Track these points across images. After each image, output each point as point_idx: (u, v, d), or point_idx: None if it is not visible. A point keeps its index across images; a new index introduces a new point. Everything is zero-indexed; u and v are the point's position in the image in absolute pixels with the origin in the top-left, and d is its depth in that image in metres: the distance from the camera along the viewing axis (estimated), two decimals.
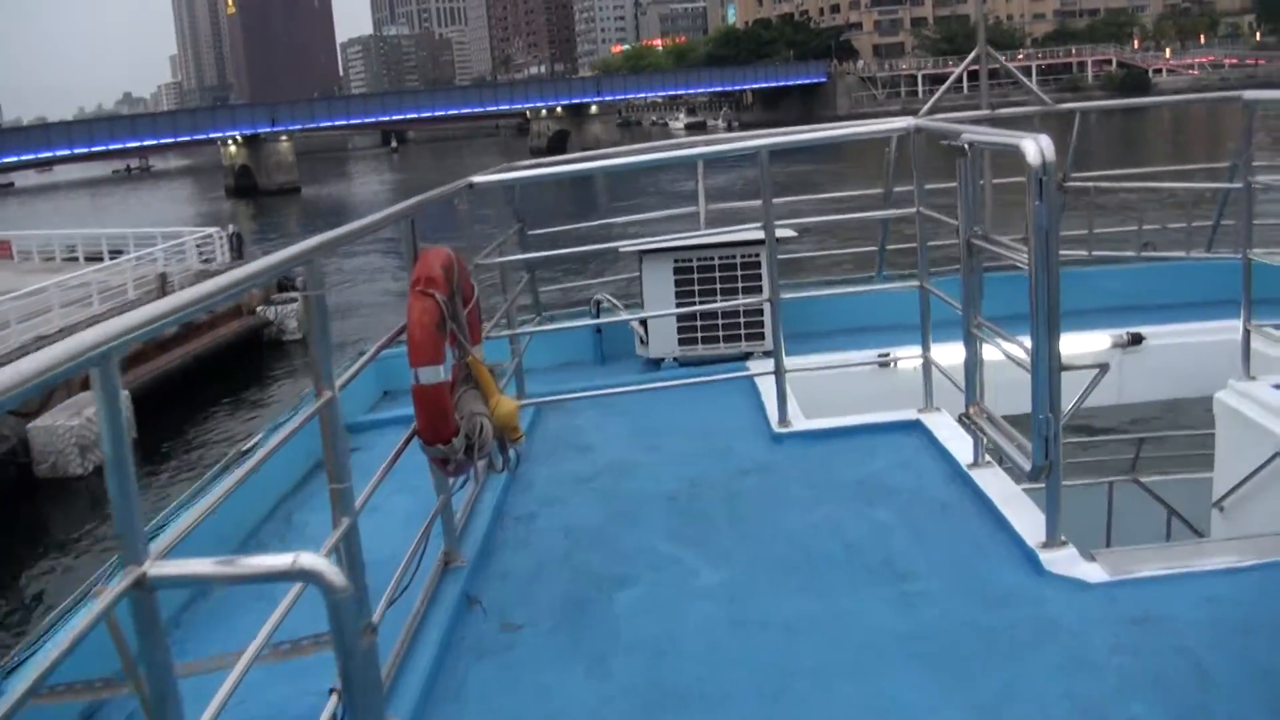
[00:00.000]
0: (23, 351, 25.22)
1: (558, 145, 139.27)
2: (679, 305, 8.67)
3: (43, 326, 28.40)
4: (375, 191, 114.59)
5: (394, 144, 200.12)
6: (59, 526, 24.05)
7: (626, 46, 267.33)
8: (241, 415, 29.36)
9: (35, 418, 25.42)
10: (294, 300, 37.08)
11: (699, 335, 8.77)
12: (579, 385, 8.21)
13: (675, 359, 8.85)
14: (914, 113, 8.51)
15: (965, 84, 14.26)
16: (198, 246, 39.11)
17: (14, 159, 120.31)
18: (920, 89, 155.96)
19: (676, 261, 8.65)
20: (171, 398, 29.06)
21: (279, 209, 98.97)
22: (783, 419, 6.79)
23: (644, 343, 8.96)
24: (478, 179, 6.71)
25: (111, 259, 38.77)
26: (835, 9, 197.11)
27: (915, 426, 6.58)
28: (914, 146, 6.53)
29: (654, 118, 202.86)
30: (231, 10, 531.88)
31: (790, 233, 8.52)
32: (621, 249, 8.86)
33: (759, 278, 8.47)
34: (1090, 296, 9.01)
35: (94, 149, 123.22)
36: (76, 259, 42.88)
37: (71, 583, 19.61)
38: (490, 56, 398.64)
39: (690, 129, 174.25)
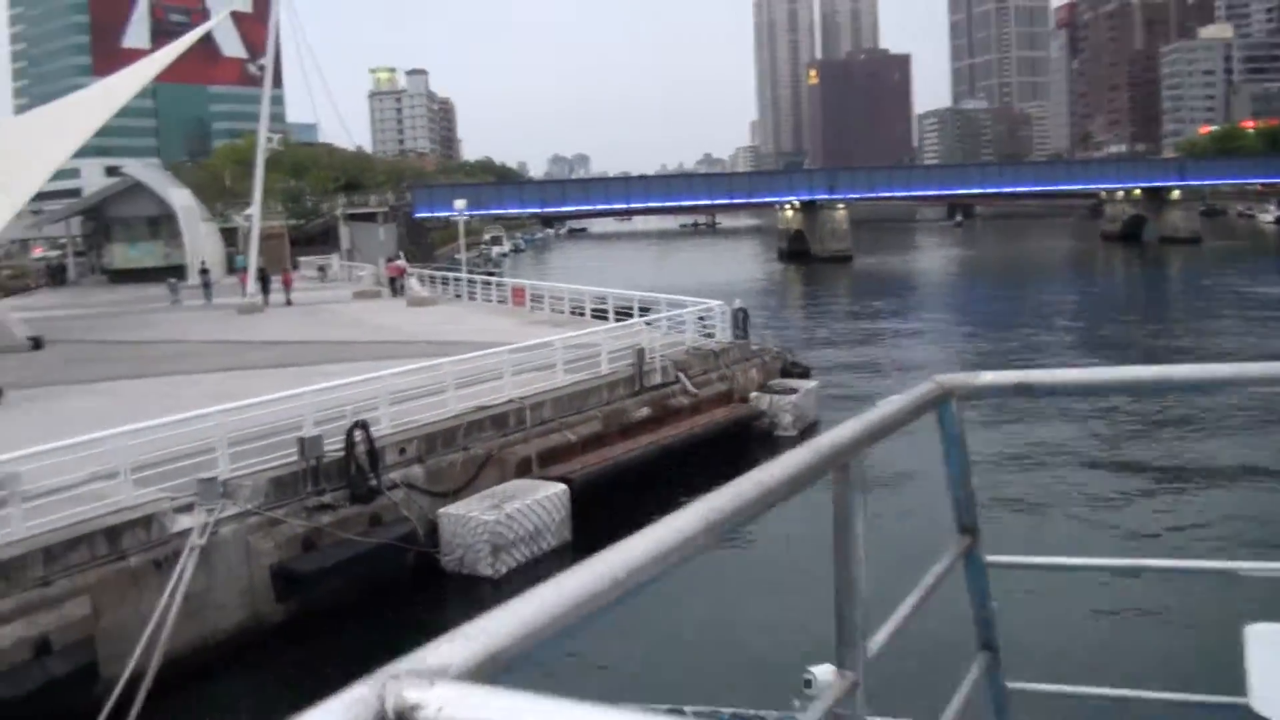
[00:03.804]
0: (455, 422, 21.83)
1: (1133, 231, 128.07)
2: None
3: (481, 397, 24.97)
4: (927, 268, 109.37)
5: (958, 218, 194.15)
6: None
7: (1215, 127, 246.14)
8: None
9: (449, 501, 21.98)
10: (794, 391, 32.17)
11: None
12: None
13: None
14: None
15: None
16: (700, 319, 35.02)
17: (596, 207, 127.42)
18: None
19: None
20: (631, 488, 24.79)
21: (827, 278, 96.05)
22: None
23: None
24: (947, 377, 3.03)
25: (618, 320, 35.83)
26: None
27: None
28: None
29: (1240, 208, 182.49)
30: (814, 80, 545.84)
31: None
32: None
33: None
34: None
35: (665, 203, 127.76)
36: (582, 314, 40.81)
37: None
38: (1068, 133, 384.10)
39: None
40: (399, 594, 20.71)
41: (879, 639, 2.75)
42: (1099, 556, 3.85)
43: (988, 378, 3.18)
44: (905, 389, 3.11)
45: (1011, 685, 3.64)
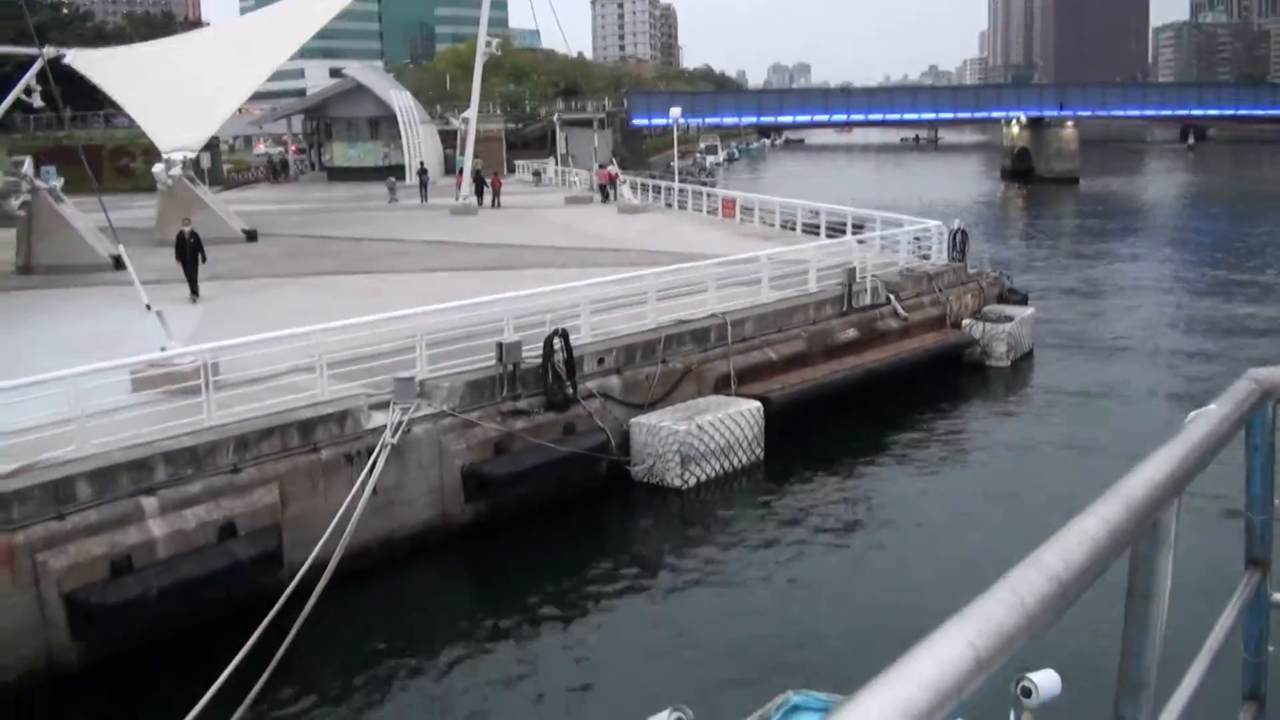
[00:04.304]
0: (654, 335, 21.39)
1: None
2: None
3: (683, 310, 24.46)
4: (1159, 194, 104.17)
5: (1190, 141, 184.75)
6: (646, 538, 20.69)
7: None
8: (909, 458, 23.75)
9: (646, 411, 21.96)
10: (1009, 319, 30.79)
11: None
12: None
13: None
14: None
15: None
16: (915, 239, 33.78)
17: (814, 118, 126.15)
18: None
19: None
20: (831, 410, 24.17)
21: (1051, 200, 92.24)
22: None
23: None
24: None
25: (830, 236, 35.02)
26: None
27: None
28: None
29: None
30: None
31: None
32: None
33: None
34: None
35: (886, 116, 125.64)
36: (793, 229, 39.95)
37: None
38: None
39: None
40: (588, 502, 20.64)
41: None
42: None
43: None
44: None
45: None
